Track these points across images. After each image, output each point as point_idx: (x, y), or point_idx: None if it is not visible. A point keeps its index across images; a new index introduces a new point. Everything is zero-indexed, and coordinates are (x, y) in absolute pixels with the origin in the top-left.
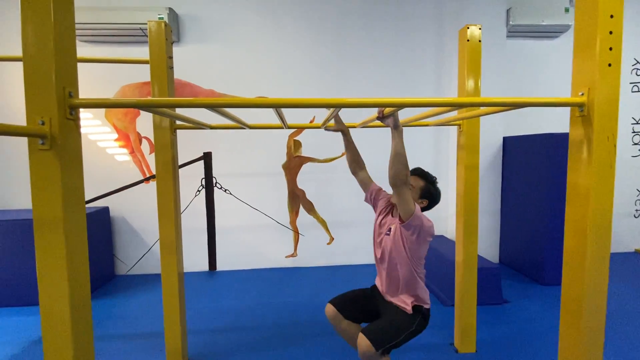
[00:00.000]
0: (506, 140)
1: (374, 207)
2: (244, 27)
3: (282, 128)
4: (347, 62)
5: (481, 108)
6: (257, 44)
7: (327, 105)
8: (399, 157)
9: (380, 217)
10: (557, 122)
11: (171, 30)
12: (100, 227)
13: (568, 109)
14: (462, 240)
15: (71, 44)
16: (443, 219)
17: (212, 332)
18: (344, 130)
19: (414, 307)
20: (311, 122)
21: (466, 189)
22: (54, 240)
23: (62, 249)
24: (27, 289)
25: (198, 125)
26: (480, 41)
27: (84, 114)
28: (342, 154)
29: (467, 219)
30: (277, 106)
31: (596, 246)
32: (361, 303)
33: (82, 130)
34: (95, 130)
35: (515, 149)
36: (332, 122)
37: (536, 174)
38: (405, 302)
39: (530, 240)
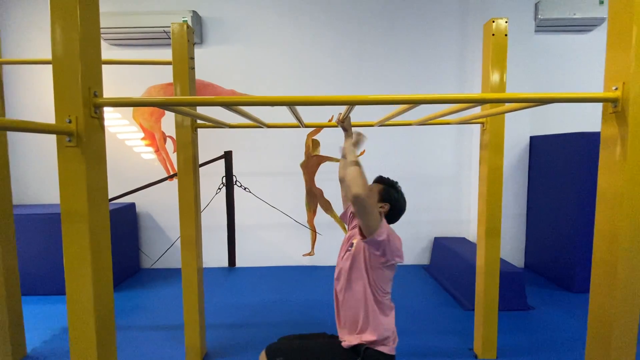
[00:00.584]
0: (533, 140)
1: (349, 223)
2: (265, 27)
3: (299, 127)
4: (368, 61)
5: (506, 104)
6: (277, 44)
7: (335, 103)
8: (354, 164)
9: (350, 231)
10: (588, 120)
11: (193, 32)
12: (127, 222)
13: (600, 105)
14: (484, 243)
15: (96, 47)
16: (465, 221)
17: (230, 326)
18: (348, 130)
19: (357, 346)
20: (329, 121)
21: (489, 190)
22: (80, 232)
23: (86, 240)
24: (57, 279)
25: (218, 124)
26: (506, 35)
27: (113, 114)
28: (361, 153)
29: (489, 221)
30: (290, 104)
31: (628, 253)
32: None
33: (112, 130)
34: (123, 129)
35: (543, 149)
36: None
37: (565, 175)
38: (353, 337)
39: (558, 245)
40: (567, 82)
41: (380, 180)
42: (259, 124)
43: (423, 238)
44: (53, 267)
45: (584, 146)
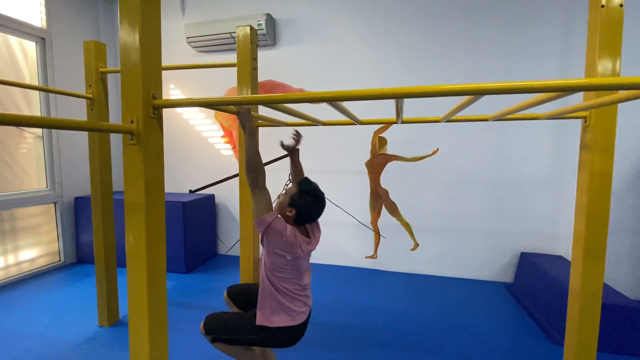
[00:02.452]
0: None
1: None
2: (335, 25)
3: (354, 124)
4: (444, 48)
5: (619, 92)
6: (348, 42)
7: (377, 97)
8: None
9: None
10: None
11: (257, 34)
12: (208, 212)
13: None
14: (581, 265)
15: (156, 55)
16: (563, 236)
17: None
18: (293, 150)
19: (261, 325)
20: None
21: (591, 201)
22: (138, 222)
23: (142, 230)
24: None
25: (275, 123)
26: (621, 6)
27: (199, 114)
28: (433, 152)
29: (589, 240)
30: (330, 99)
31: None
32: (251, 295)
33: (198, 128)
34: (206, 128)
35: None
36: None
37: None
38: (259, 311)
39: None
40: None
41: (299, 183)
42: (313, 122)
43: (506, 252)
44: None
45: None
